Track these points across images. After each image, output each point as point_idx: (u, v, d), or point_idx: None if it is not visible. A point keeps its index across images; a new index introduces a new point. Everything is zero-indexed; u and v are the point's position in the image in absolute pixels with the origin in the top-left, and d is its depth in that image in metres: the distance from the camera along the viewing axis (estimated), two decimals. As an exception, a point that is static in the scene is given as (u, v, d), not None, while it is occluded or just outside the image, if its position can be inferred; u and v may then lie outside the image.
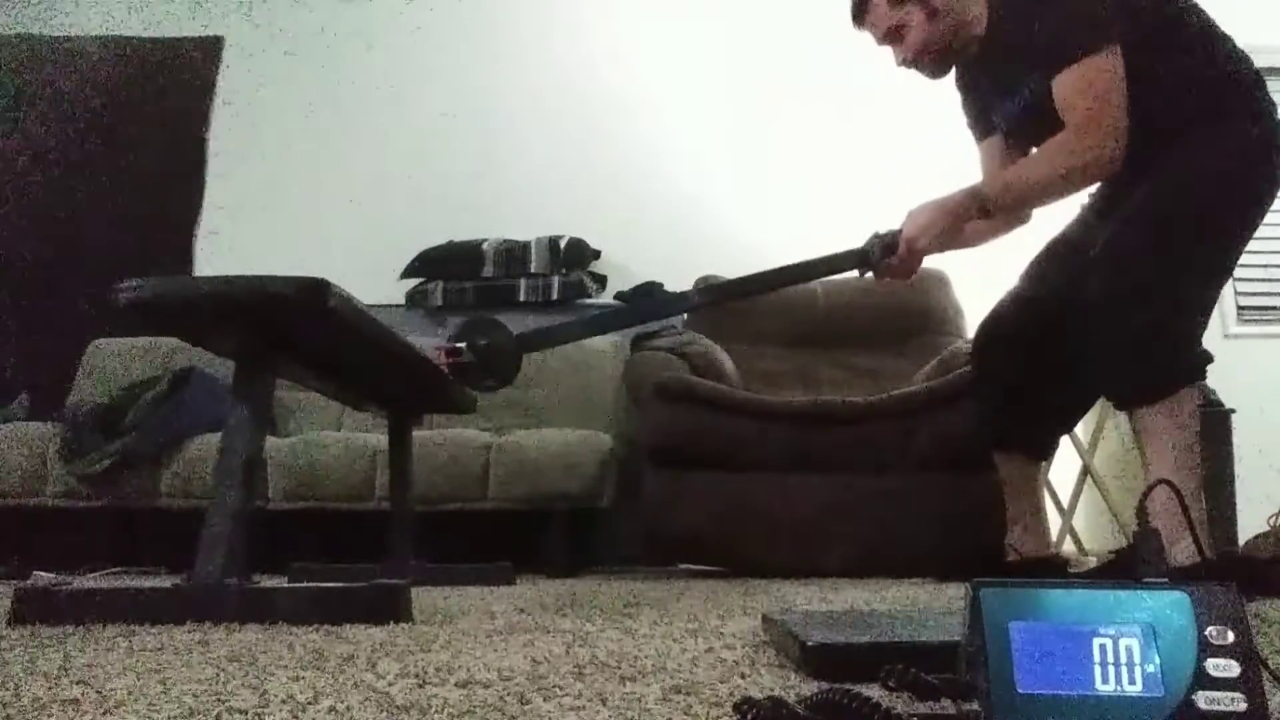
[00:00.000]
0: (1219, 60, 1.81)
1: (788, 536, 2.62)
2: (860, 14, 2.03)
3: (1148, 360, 1.66)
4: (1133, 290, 1.66)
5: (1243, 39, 1.83)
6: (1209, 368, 1.71)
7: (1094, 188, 1.95)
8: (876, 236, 1.95)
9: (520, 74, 4.23)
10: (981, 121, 2.09)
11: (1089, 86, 1.72)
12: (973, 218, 1.87)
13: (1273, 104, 1.80)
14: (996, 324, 2.08)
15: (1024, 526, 2.06)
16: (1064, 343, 1.89)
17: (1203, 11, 1.85)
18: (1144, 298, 1.65)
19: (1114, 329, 1.67)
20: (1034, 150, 1.97)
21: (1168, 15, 1.82)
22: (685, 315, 3.62)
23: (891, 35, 1.99)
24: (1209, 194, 1.73)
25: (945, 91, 2.08)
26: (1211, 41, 1.82)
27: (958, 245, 2.01)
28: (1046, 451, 2.14)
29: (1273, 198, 1.80)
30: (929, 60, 1.98)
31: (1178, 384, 1.67)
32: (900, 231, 1.90)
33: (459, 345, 1.84)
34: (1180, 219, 1.71)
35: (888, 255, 1.92)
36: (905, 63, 2.01)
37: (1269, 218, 1.80)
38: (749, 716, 0.60)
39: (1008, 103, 1.96)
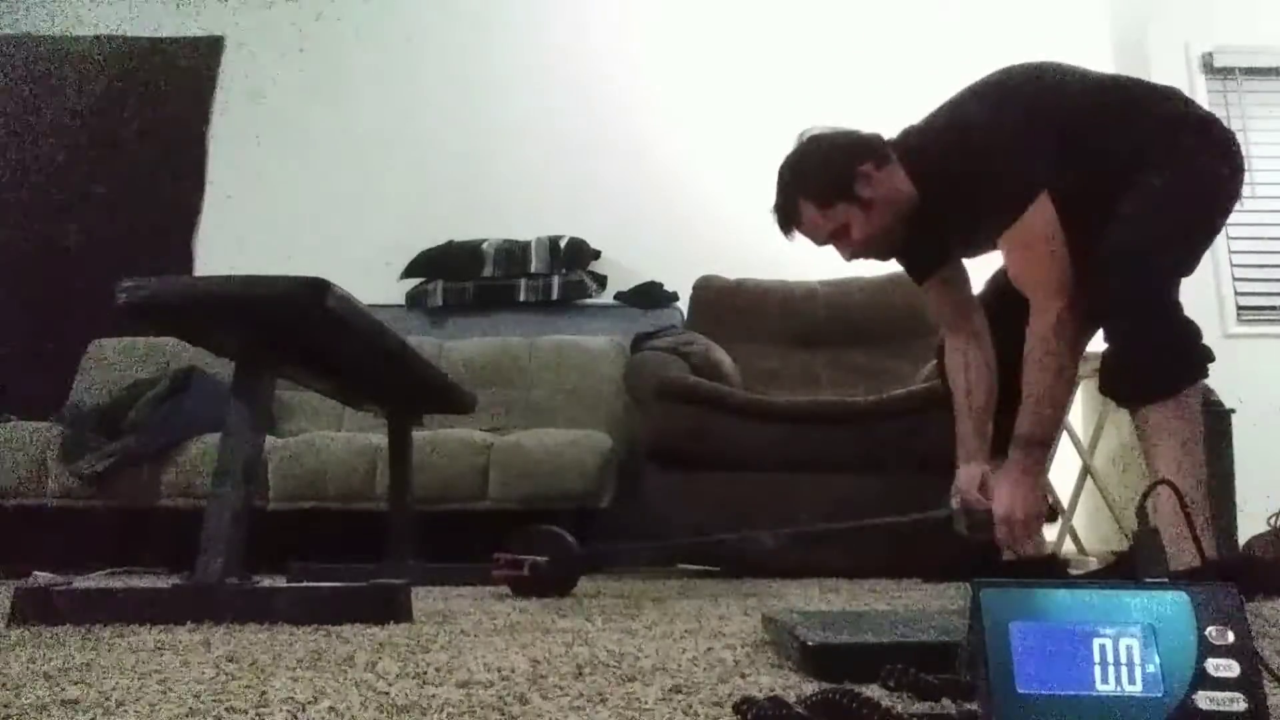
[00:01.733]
0: (1155, 101, 1.85)
1: (788, 536, 2.61)
2: (790, 226, 1.96)
3: (1159, 357, 1.67)
4: (1145, 288, 1.67)
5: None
6: (1210, 366, 1.72)
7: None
8: (963, 512, 1.92)
9: (521, 74, 4.23)
10: (919, 267, 2.08)
11: (1031, 257, 1.76)
12: (1040, 462, 1.83)
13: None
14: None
15: None
16: (1015, 343, 1.89)
17: (1107, 78, 1.91)
18: (1155, 294, 1.67)
19: (1125, 328, 1.68)
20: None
21: (1092, 103, 1.85)
22: (685, 315, 3.63)
23: (833, 236, 1.94)
24: (1201, 189, 1.75)
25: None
26: (1140, 91, 1.88)
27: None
28: None
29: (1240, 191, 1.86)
30: (877, 248, 1.96)
31: (1187, 380, 1.68)
32: (989, 511, 1.86)
33: (521, 559, 1.84)
34: (1179, 215, 1.73)
35: (979, 532, 1.90)
36: (854, 257, 1.97)
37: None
38: (749, 716, 0.60)
39: (965, 243, 1.98)
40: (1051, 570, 2.04)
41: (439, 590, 2.05)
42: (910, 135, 1.94)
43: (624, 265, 3.97)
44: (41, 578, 2.12)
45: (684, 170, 4.07)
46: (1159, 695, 0.53)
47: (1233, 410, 2.83)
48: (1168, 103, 1.86)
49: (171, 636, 1.17)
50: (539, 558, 1.84)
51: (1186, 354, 1.68)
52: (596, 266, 3.97)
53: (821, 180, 1.89)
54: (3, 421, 3.22)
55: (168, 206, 4.15)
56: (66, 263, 4.00)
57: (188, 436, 3.02)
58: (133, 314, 1.47)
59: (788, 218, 1.94)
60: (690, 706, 0.70)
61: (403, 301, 3.91)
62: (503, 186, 4.10)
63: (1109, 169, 1.78)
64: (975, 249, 2.02)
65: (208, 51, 4.31)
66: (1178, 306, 1.70)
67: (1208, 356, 1.70)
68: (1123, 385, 1.73)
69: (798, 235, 1.97)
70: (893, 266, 2.14)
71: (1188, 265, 1.78)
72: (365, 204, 4.13)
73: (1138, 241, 1.69)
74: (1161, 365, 1.67)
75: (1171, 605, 0.55)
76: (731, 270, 3.63)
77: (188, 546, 1.46)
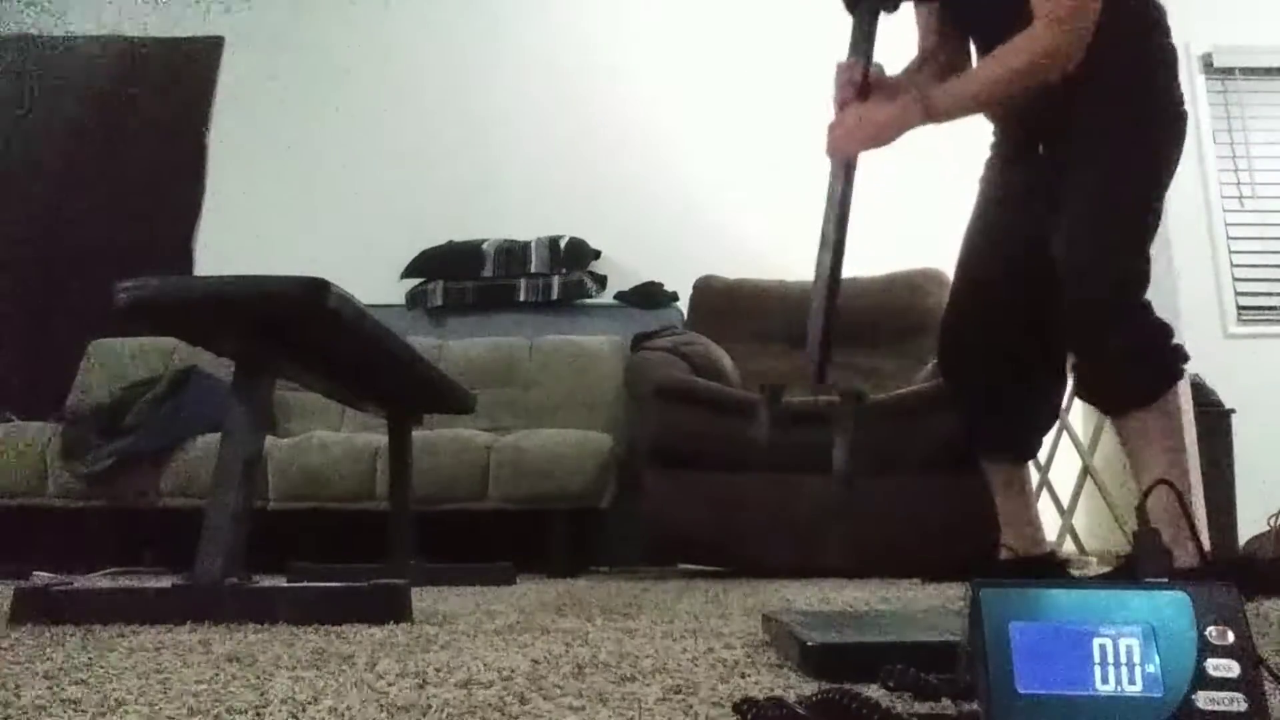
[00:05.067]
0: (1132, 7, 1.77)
1: (787, 536, 2.62)
2: None
3: (1133, 364, 1.64)
4: (1108, 298, 1.63)
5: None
6: (1203, 368, 1.71)
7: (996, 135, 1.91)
8: None
9: (521, 74, 4.23)
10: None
11: None
12: (913, 127, 1.73)
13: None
14: (956, 329, 2.04)
15: (1016, 527, 2.06)
16: (1029, 341, 1.84)
17: None
18: (1120, 301, 1.63)
19: (1096, 339, 1.65)
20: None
21: None
22: (685, 315, 3.63)
23: None
24: (1157, 136, 1.68)
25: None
26: None
27: None
28: (1030, 452, 2.13)
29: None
30: None
31: (1164, 385, 1.65)
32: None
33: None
34: (1135, 190, 1.67)
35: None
36: None
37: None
38: (749, 716, 0.60)
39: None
40: (1050, 568, 2.04)
41: (439, 590, 2.05)
42: None
43: (624, 265, 3.97)
44: (41, 578, 2.12)
45: (684, 170, 4.07)
46: (1159, 695, 0.53)
47: (1233, 410, 2.84)
48: (1147, 11, 1.78)
49: (171, 636, 1.17)
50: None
51: (1159, 358, 1.65)
52: (596, 266, 3.97)
53: None
54: (3, 421, 3.22)
55: (168, 206, 4.15)
56: (66, 263, 4.00)
57: (188, 436, 3.03)
58: (133, 314, 1.47)
59: None
60: (690, 706, 0.70)
61: (403, 301, 3.91)
62: (503, 186, 4.10)
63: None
64: None
65: (208, 51, 4.31)
66: (1146, 309, 1.65)
67: (1182, 357, 1.67)
68: (1100, 395, 1.70)
69: None
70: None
71: (1150, 236, 1.69)
72: (365, 204, 4.13)
73: (1095, 249, 1.63)
74: (1137, 372, 1.63)
75: (1171, 605, 0.55)
76: (731, 270, 3.63)
77: (188, 546, 1.46)
